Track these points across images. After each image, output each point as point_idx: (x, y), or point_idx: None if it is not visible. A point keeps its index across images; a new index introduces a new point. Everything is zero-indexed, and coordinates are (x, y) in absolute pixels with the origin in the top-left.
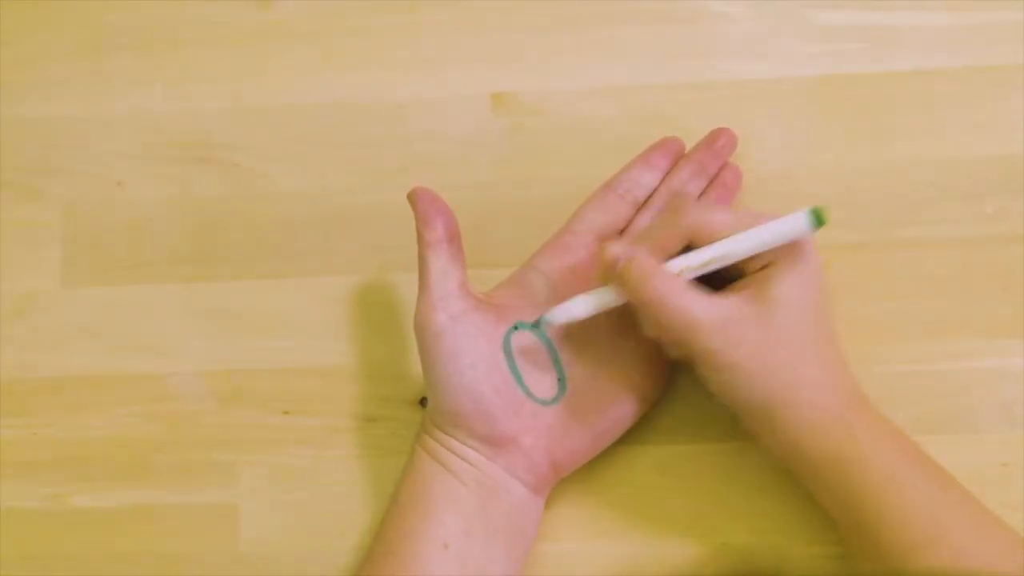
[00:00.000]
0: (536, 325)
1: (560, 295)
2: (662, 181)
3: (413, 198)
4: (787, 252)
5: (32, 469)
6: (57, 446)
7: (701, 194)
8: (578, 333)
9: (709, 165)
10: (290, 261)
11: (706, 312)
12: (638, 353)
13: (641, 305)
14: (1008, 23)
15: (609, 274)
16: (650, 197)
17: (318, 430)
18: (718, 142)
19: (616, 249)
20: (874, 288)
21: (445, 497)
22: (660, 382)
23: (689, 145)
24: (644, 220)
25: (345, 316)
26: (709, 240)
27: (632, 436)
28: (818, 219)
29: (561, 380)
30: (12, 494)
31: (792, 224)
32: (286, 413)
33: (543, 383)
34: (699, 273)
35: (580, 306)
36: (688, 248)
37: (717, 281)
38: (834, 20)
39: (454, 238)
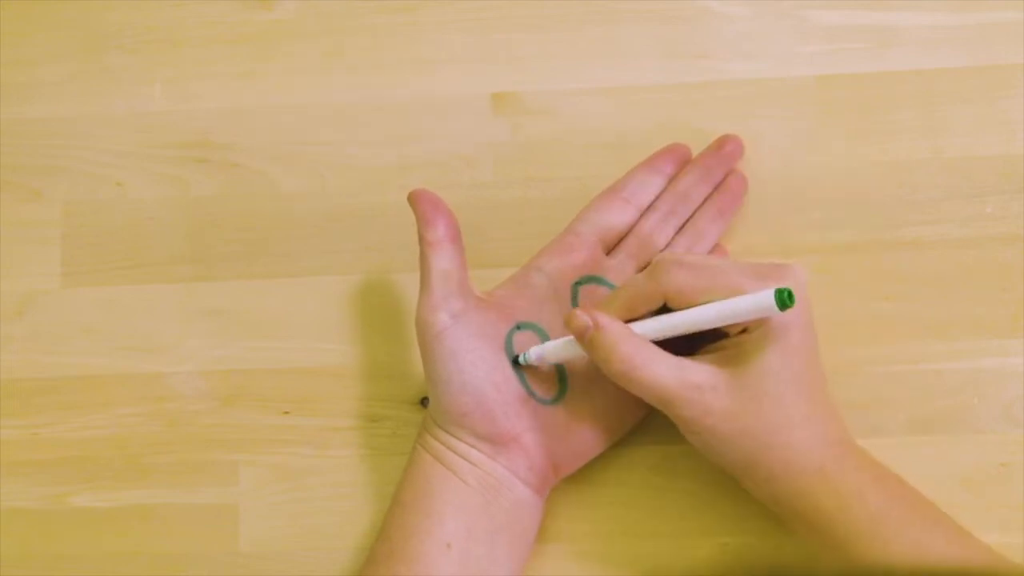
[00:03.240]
0: (533, 326)
1: (562, 296)
2: (667, 185)
3: (413, 199)
4: (768, 320)
5: (32, 469)
6: (57, 446)
7: (706, 199)
8: None
9: (715, 171)
10: (290, 261)
11: (677, 381)
12: None
13: (610, 376)
14: (1008, 23)
15: (579, 342)
16: (655, 201)
17: (318, 430)
18: (725, 148)
19: (584, 318)
20: (874, 288)
21: (447, 496)
22: None
23: (691, 146)
24: (648, 224)
25: (345, 316)
26: (683, 304)
27: (631, 436)
28: (782, 301)
29: (562, 380)
30: (12, 494)
31: (758, 303)
32: (286, 413)
33: (544, 383)
34: (668, 336)
35: (552, 353)
36: (664, 308)
37: (700, 336)
38: (834, 20)
39: (455, 238)
